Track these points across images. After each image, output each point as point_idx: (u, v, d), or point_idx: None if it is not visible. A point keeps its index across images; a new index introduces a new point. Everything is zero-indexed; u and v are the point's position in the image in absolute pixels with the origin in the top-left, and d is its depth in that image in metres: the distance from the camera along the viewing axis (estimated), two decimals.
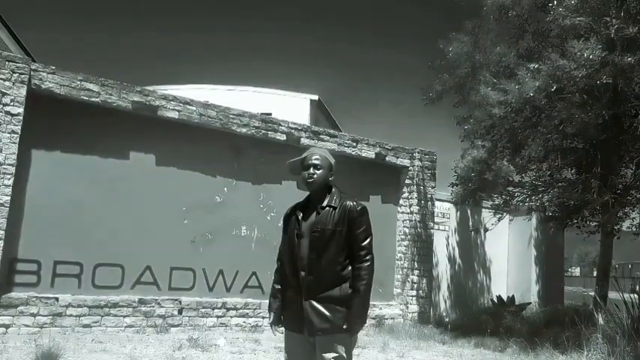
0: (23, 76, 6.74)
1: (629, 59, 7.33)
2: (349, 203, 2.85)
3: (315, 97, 20.09)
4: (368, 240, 2.83)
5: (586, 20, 7.65)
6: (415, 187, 10.50)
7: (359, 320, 2.76)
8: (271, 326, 2.99)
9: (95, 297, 7.18)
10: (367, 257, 2.79)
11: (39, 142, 7.06)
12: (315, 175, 2.88)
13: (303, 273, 2.79)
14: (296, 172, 3.00)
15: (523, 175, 10.19)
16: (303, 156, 2.98)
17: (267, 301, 3.03)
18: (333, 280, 2.77)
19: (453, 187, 10.60)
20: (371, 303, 10.58)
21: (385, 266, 10.17)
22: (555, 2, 8.09)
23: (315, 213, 2.86)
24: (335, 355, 2.72)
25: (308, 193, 2.97)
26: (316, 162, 2.90)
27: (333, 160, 3.00)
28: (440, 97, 10.20)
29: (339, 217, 2.80)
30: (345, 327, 2.72)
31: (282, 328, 2.95)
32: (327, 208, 2.84)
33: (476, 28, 9.69)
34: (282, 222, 3.08)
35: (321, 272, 2.76)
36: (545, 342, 7.32)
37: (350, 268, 2.80)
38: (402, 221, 10.50)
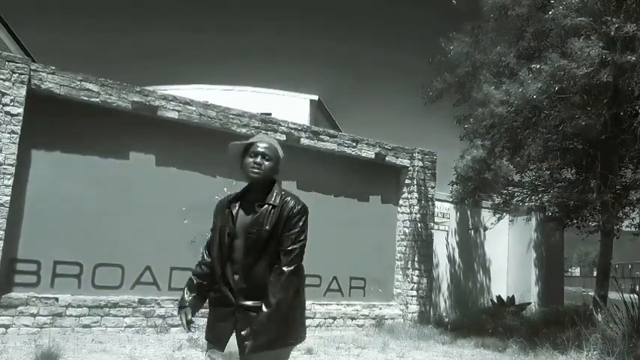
0: (23, 76, 6.74)
1: (630, 58, 7.34)
2: (290, 202, 2.47)
3: (315, 97, 20.10)
4: (298, 245, 2.43)
5: (587, 20, 7.65)
6: (415, 187, 10.50)
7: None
8: (185, 326, 2.65)
9: (95, 297, 7.18)
10: (291, 264, 2.39)
11: (39, 142, 7.06)
12: (262, 166, 2.51)
13: (236, 277, 2.44)
14: (236, 157, 2.66)
15: (523, 175, 10.20)
16: (250, 141, 2.61)
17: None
18: (264, 287, 2.39)
19: (452, 185, 10.61)
20: (371, 303, 10.47)
21: (385, 266, 10.18)
22: (554, 1, 8.09)
23: (251, 211, 2.49)
24: None
25: (248, 185, 2.63)
26: (265, 151, 2.53)
27: (282, 154, 2.66)
28: (440, 96, 10.20)
29: (279, 217, 2.44)
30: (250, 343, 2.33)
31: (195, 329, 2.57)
32: (266, 206, 2.47)
33: (475, 29, 9.69)
34: (214, 212, 2.70)
35: (256, 279, 2.39)
36: (545, 342, 7.32)
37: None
38: (402, 221, 10.50)
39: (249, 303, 2.39)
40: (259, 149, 2.54)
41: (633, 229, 10.57)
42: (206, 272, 2.66)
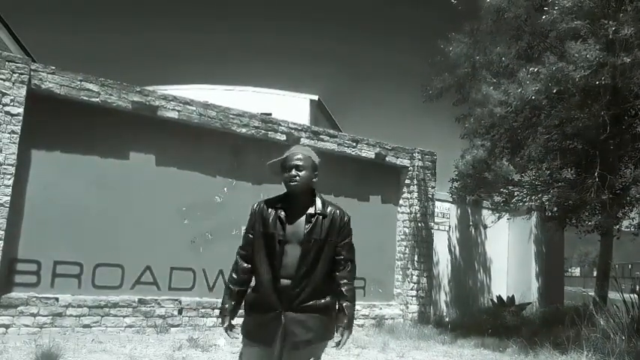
0: (23, 76, 6.74)
1: (627, 59, 7.34)
2: (338, 212, 2.72)
3: (315, 97, 20.09)
4: (352, 248, 2.75)
5: (582, 23, 7.66)
6: (415, 187, 10.50)
7: (350, 328, 2.66)
8: (227, 331, 2.76)
9: (95, 297, 7.18)
10: (352, 265, 2.71)
11: (39, 142, 7.06)
12: (297, 177, 2.67)
13: (287, 282, 2.58)
14: (276, 173, 2.78)
15: (522, 174, 10.21)
16: (284, 156, 2.75)
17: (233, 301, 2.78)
18: (321, 291, 2.63)
19: (453, 182, 10.61)
20: (371, 303, 10.49)
21: (385, 266, 10.17)
22: (549, 5, 8.10)
23: (304, 219, 2.66)
24: None
25: (285, 192, 2.76)
26: (299, 162, 2.68)
27: (317, 160, 2.81)
28: (440, 95, 10.21)
29: (329, 227, 2.66)
30: (328, 336, 2.65)
31: (239, 335, 2.73)
32: (318, 216, 2.66)
33: (474, 30, 9.70)
34: (252, 217, 2.78)
35: (309, 284, 2.59)
36: (545, 342, 7.32)
37: (330, 278, 2.68)
38: (402, 221, 10.50)
39: (305, 305, 2.58)
40: (292, 162, 2.69)
41: (633, 229, 10.57)
42: (243, 279, 2.78)
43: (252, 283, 2.76)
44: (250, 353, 2.68)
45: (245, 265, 2.77)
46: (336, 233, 2.67)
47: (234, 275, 2.80)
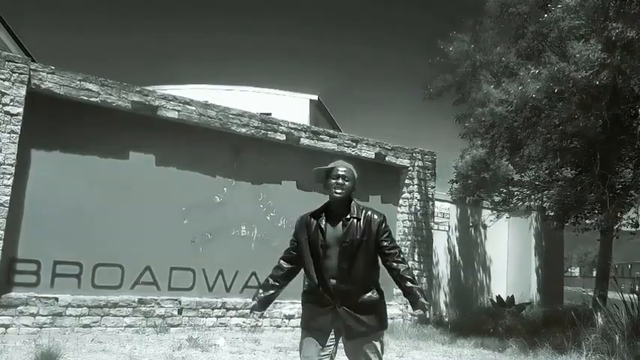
0: (23, 76, 6.74)
1: (629, 60, 7.35)
2: (370, 214, 3.04)
3: (315, 97, 20.11)
4: (394, 241, 3.08)
5: (585, 22, 7.66)
6: (415, 187, 10.50)
7: (426, 300, 2.92)
8: (252, 310, 3.20)
9: (95, 297, 7.18)
10: (400, 254, 3.04)
11: (39, 142, 7.06)
12: (343, 187, 3.02)
13: (334, 281, 2.94)
14: (320, 180, 3.15)
15: (522, 174, 10.21)
16: (330, 166, 3.13)
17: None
18: (364, 287, 2.98)
19: (452, 183, 10.62)
20: None
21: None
22: (552, 3, 8.11)
23: (341, 224, 3.00)
24: (375, 353, 3.00)
25: (327, 202, 3.11)
26: (344, 174, 3.05)
27: (356, 174, 3.16)
28: (440, 94, 10.21)
29: (364, 228, 2.98)
30: (379, 327, 3.02)
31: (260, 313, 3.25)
32: (353, 219, 2.99)
33: (476, 26, 9.70)
34: (297, 227, 3.18)
35: (352, 281, 2.94)
36: (544, 342, 7.32)
37: (375, 275, 3.06)
38: (402, 221, 10.50)
39: (356, 301, 2.94)
40: (339, 172, 3.06)
41: (631, 228, 10.56)
42: (279, 275, 3.20)
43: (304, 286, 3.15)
44: (309, 342, 3.00)
45: (284, 264, 3.21)
46: (374, 232, 2.99)
47: (273, 272, 3.23)
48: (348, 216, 3.01)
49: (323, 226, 3.01)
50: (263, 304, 3.20)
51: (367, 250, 2.98)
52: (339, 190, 3.02)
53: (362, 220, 3.00)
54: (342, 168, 3.08)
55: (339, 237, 2.97)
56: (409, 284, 2.91)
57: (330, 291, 2.94)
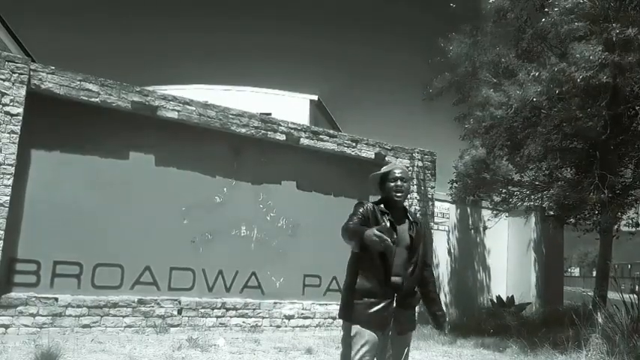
0: (23, 76, 6.74)
1: (629, 59, 7.34)
2: (422, 220, 3.25)
3: (315, 97, 20.11)
4: (431, 255, 3.38)
5: (583, 24, 7.66)
6: (415, 187, 10.50)
7: (445, 319, 3.33)
8: (389, 242, 2.79)
9: (95, 297, 7.17)
10: (432, 271, 3.31)
11: (39, 142, 7.05)
12: (403, 188, 3.09)
13: (398, 279, 3.00)
14: (375, 184, 3.19)
15: (522, 174, 10.21)
16: (388, 169, 3.16)
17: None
18: (415, 287, 3.16)
19: (452, 183, 10.60)
20: None
21: None
22: (550, 5, 8.10)
23: (406, 226, 3.09)
24: (408, 345, 3.30)
25: (380, 200, 3.15)
26: (402, 175, 3.10)
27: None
28: (439, 94, 10.21)
29: (418, 233, 3.10)
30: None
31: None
32: (415, 223, 3.12)
33: (474, 30, 9.70)
34: (364, 209, 3.03)
35: (412, 281, 3.08)
36: (544, 342, 7.33)
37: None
38: None
39: (408, 301, 3.08)
40: (397, 174, 3.09)
41: (629, 228, 10.56)
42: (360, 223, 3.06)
43: (360, 281, 3.04)
44: (364, 337, 2.96)
45: (357, 221, 2.99)
46: (422, 239, 3.12)
47: (349, 224, 2.96)
48: (412, 219, 3.12)
49: (395, 224, 3.04)
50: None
51: (419, 254, 3.11)
52: (399, 193, 3.07)
53: (419, 226, 3.13)
54: (398, 170, 3.12)
55: (406, 239, 3.05)
56: (436, 308, 3.26)
57: (392, 288, 2.99)
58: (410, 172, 10.51)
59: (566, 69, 7.55)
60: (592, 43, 7.50)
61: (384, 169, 3.18)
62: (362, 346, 2.97)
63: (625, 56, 7.38)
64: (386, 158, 10.25)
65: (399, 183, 3.07)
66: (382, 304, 2.98)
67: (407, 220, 3.11)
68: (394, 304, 3.01)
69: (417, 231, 3.09)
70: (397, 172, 3.10)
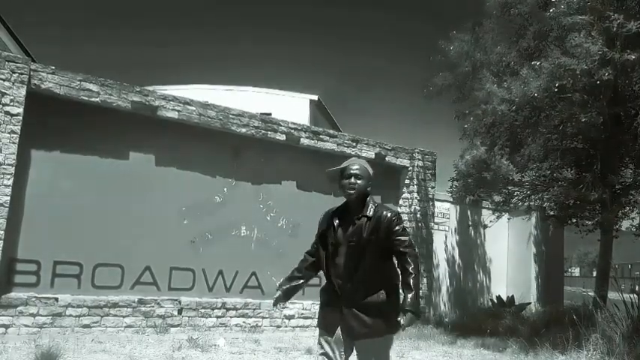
0: (23, 76, 6.73)
1: (630, 56, 7.33)
2: (384, 212, 2.95)
3: (315, 97, 20.08)
4: (407, 238, 2.93)
5: (587, 18, 7.65)
6: (415, 187, 10.50)
7: (413, 312, 2.81)
8: (276, 302, 3.19)
9: (95, 297, 7.18)
10: (411, 254, 2.90)
11: (39, 142, 7.05)
12: (355, 185, 2.98)
13: (340, 281, 2.93)
14: (334, 180, 3.09)
15: (523, 174, 10.21)
16: (343, 165, 3.07)
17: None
18: (371, 287, 2.89)
19: (453, 181, 10.60)
20: None
21: None
22: (553, 4, 8.10)
23: (351, 224, 2.97)
24: (370, 356, 2.93)
25: (345, 201, 3.07)
26: (357, 172, 3.00)
27: (371, 171, 3.11)
28: (440, 93, 10.20)
29: (374, 227, 2.90)
30: (384, 330, 2.91)
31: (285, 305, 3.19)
32: (363, 218, 2.94)
33: (477, 26, 9.69)
34: (320, 221, 3.18)
35: (359, 281, 2.88)
36: (544, 342, 7.32)
37: (385, 275, 2.95)
38: None
39: (362, 302, 2.88)
40: (351, 171, 3.00)
41: (633, 230, 10.56)
42: (301, 267, 3.23)
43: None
44: (322, 341, 3.01)
45: (308, 257, 3.22)
46: (383, 231, 2.90)
47: (298, 264, 3.25)
48: (360, 215, 2.96)
49: (335, 224, 3.00)
50: (287, 295, 3.20)
51: (376, 249, 2.90)
52: (350, 190, 2.99)
53: (372, 219, 2.92)
54: (354, 167, 3.03)
55: (347, 236, 2.94)
56: (406, 294, 2.82)
57: (337, 291, 2.95)
58: (411, 172, 10.53)
59: (567, 62, 7.52)
60: (593, 35, 7.47)
61: (342, 165, 3.09)
62: (319, 351, 3.02)
63: (626, 54, 7.37)
64: (386, 158, 10.25)
65: (352, 180, 2.98)
66: (330, 308, 3.00)
67: (356, 217, 2.96)
68: (343, 309, 2.91)
69: (373, 226, 2.90)
70: (352, 169, 3.02)
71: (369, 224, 2.91)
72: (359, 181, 2.98)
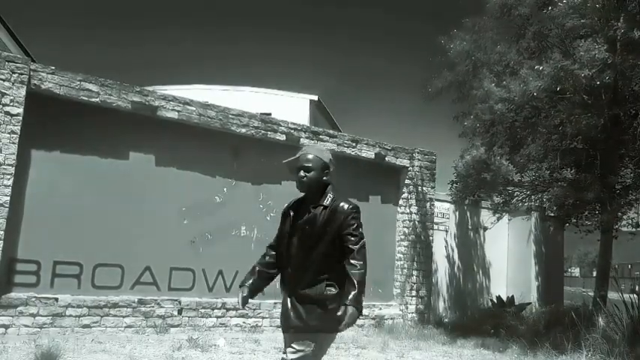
0: (23, 76, 6.73)
1: (632, 61, 7.35)
2: (341, 204, 2.81)
3: (315, 98, 20.10)
4: (359, 239, 2.75)
5: (588, 22, 7.65)
6: (415, 187, 10.50)
7: (355, 307, 2.61)
8: (243, 304, 2.99)
9: (95, 297, 7.17)
10: (358, 256, 2.71)
11: (39, 142, 7.05)
12: (305, 178, 2.88)
13: (289, 270, 2.86)
14: (293, 170, 2.99)
15: (522, 175, 10.21)
16: (297, 156, 2.96)
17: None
18: (312, 279, 2.75)
19: (452, 184, 10.60)
20: (371, 303, 10.46)
21: (385, 266, 10.17)
22: (554, 4, 8.10)
23: (306, 213, 2.87)
24: (298, 351, 2.70)
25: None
26: (307, 164, 2.88)
27: (328, 158, 2.95)
28: (439, 93, 10.20)
29: (329, 217, 2.78)
30: (316, 327, 2.71)
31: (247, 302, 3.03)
32: (319, 207, 2.83)
33: (476, 26, 9.69)
34: (281, 214, 3.12)
35: (304, 270, 2.77)
36: (544, 342, 7.32)
37: (334, 270, 2.75)
38: (402, 221, 10.50)
39: (300, 292, 2.76)
40: (301, 164, 2.90)
41: (630, 228, 10.56)
42: (268, 262, 3.08)
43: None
44: (284, 336, 2.93)
45: (271, 251, 3.10)
46: (337, 223, 2.77)
47: (259, 259, 3.12)
48: (327, 204, 2.83)
49: (292, 215, 2.94)
50: (253, 293, 3.01)
51: (328, 240, 2.76)
52: (300, 185, 2.91)
53: (329, 210, 2.80)
54: (305, 158, 2.90)
55: (301, 224, 2.84)
56: (349, 289, 2.64)
57: (286, 281, 2.89)
58: (411, 172, 10.53)
59: (570, 66, 7.52)
60: (598, 42, 7.48)
61: (296, 156, 2.98)
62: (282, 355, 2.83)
63: (627, 58, 7.38)
64: (386, 158, 10.25)
65: (300, 174, 2.88)
66: (284, 302, 2.88)
67: (312, 206, 2.85)
68: (288, 297, 2.82)
69: (328, 216, 2.77)
70: (303, 162, 2.89)
71: (324, 213, 2.79)
72: (309, 174, 2.86)
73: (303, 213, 2.88)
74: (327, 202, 2.83)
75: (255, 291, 3.02)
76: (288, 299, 2.81)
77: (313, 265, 2.75)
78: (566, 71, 7.57)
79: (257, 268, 3.07)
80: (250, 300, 3.02)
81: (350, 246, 2.72)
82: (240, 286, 3.05)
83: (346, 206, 2.80)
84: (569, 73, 7.55)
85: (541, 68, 7.92)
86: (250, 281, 3.02)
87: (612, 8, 7.84)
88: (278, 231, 3.07)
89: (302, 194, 3.00)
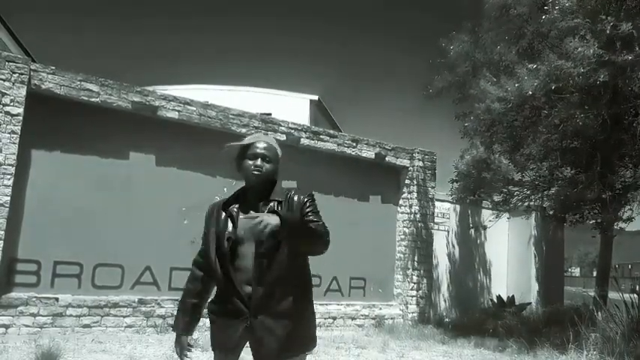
0: (23, 76, 6.74)
1: (627, 57, 7.34)
2: (295, 196, 2.37)
3: (315, 98, 20.11)
4: (318, 218, 2.34)
5: (582, 22, 7.67)
6: (415, 187, 10.50)
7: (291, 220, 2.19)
8: (180, 352, 2.47)
9: (95, 297, 7.18)
10: (319, 223, 2.32)
11: (39, 142, 7.06)
12: (263, 168, 2.39)
13: (249, 288, 2.23)
14: (233, 158, 2.56)
15: (523, 174, 10.21)
16: (247, 142, 2.47)
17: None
18: (285, 289, 2.25)
19: (452, 183, 10.61)
20: (371, 303, 10.42)
21: (385, 266, 10.17)
22: (551, 4, 8.11)
23: (256, 211, 2.32)
24: None
25: (243, 188, 2.55)
26: (266, 153, 2.40)
27: (280, 153, 2.51)
28: (440, 94, 10.21)
29: (287, 211, 2.31)
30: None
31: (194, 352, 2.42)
32: (272, 202, 2.35)
33: (476, 27, 9.70)
34: (205, 220, 2.61)
35: (272, 282, 2.23)
36: (545, 342, 7.33)
37: (300, 274, 2.37)
38: (402, 221, 10.50)
39: (268, 308, 2.23)
40: (258, 151, 2.41)
41: (622, 224, 10.54)
42: (198, 289, 2.52)
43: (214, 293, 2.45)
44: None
45: (199, 273, 2.51)
46: (296, 219, 2.29)
47: (188, 286, 2.53)
48: (267, 200, 2.36)
49: (235, 217, 2.39)
50: (190, 332, 2.52)
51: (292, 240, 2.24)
52: (256, 172, 2.39)
53: (284, 202, 2.33)
54: (261, 145, 2.42)
55: (254, 228, 2.14)
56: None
57: (244, 299, 2.23)
58: (412, 172, 10.53)
59: (563, 65, 7.54)
60: (587, 39, 7.49)
61: (245, 141, 2.49)
62: None
63: (623, 55, 7.38)
64: (386, 158, 10.25)
65: (257, 162, 2.39)
66: (231, 322, 2.26)
67: (262, 203, 2.37)
68: (252, 319, 2.21)
69: (285, 216, 2.20)
70: (259, 148, 2.41)
71: (279, 209, 2.30)
72: (267, 165, 2.39)
73: (257, 213, 2.26)
74: (280, 196, 2.37)
75: (193, 329, 2.55)
76: (255, 321, 2.21)
77: (281, 272, 2.24)
78: (560, 70, 7.58)
79: (190, 302, 2.51)
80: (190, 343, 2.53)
81: (312, 226, 2.30)
82: (178, 336, 2.49)
83: (301, 197, 2.36)
84: (563, 71, 7.56)
85: (535, 67, 7.94)
86: (188, 326, 2.52)
87: (602, 6, 7.86)
88: (205, 240, 2.51)
89: (230, 195, 2.58)
